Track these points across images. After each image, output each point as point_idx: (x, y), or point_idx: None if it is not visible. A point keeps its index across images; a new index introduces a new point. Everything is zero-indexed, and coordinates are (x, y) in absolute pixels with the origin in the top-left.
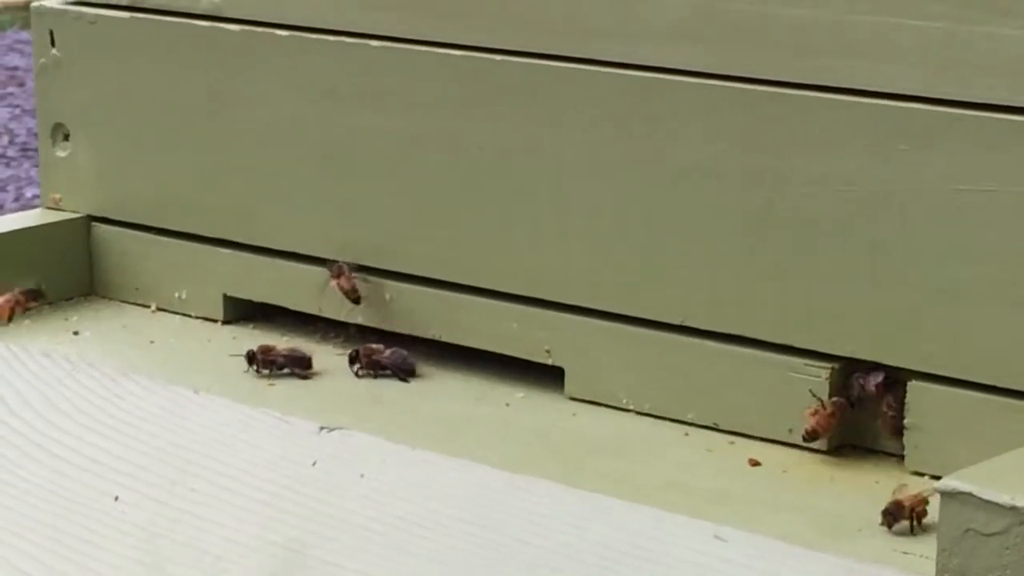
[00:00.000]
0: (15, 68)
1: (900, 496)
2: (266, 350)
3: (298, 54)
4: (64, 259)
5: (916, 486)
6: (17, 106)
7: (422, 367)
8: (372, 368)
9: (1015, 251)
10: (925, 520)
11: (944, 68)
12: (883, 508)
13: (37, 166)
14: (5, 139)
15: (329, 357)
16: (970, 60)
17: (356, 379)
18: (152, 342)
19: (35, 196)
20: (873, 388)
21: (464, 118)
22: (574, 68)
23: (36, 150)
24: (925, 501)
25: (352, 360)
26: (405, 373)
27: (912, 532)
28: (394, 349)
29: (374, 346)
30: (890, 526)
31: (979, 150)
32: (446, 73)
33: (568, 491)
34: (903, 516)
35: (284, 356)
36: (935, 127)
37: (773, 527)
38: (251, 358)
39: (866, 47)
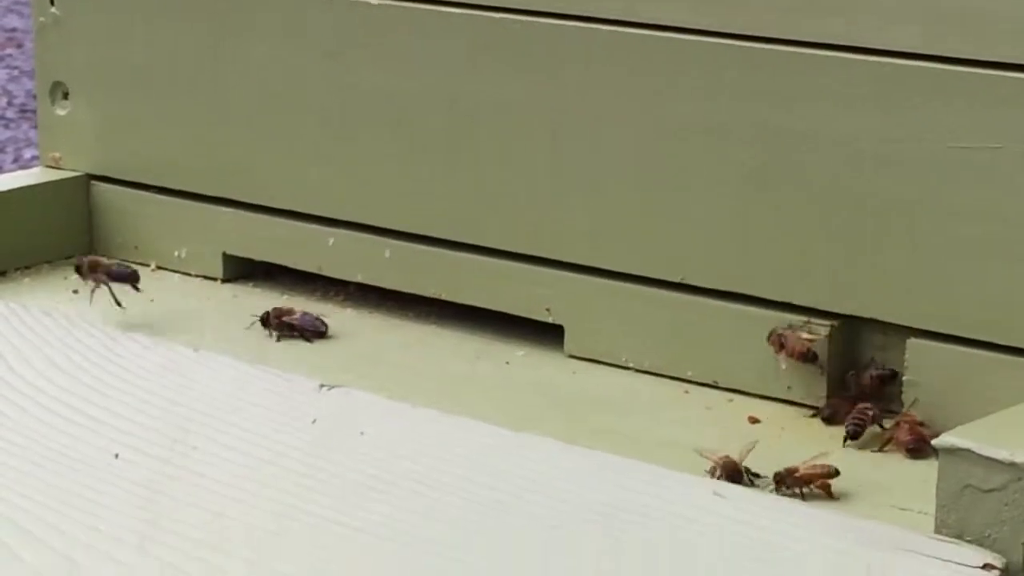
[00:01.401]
0: (13, 29)
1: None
2: (280, 313)
3: (299, 12)
4: (64, 218)
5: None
6: (16, 67)
7: (421, 325)
8: (281, 329)
9: (1017, 208)
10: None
11: (946, 25)
12: (776, 472)
13: (36, 127)
14: (3, 100)
15: (328, 315)
16: (973, 17)
17: (356, 338)
18: (152, 300)
19: (34, 157)
20: (868, 380)
21: (464, 76)
22: (574, 26)
23: (35, 111)
24: (830, 474)
25: (264, 321)
26: (314, 335)
27: (803, 498)
28: (305, 312)
29: (284, 307)
30: (778, 489)
31: (982, 107)
32: (446, 31)
33: (567, 448)
34: (798, 484)
35: (298, 320)
36: (937, 84)
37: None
38: (265, 321)
39: (867, 4)
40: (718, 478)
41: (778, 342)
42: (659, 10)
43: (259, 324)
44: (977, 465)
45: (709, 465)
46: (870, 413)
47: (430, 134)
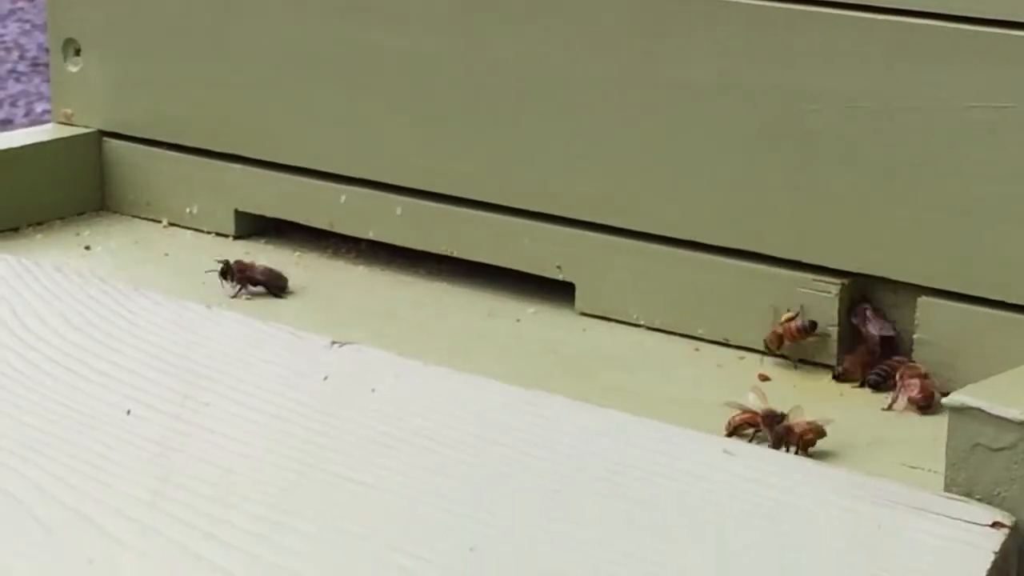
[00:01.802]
0: None
1: (792, 422)
2: (243, 267)
3: None
4: (75, 174)
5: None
6: (27, 21)
7: (432, 282)
8: (244, 283)
9: None
10: (811, 448)
11: None
12: (776, 430)
13: (47, 81)
14: (15, 54)
15: (341, 272)
16: None
17: (368, 295)
18: (166, 255)
19: (45, 111)
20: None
21: (474, 35)
22: None
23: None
24: (818, 432)
25: (223, 274)
26: (278, 289)
27: (796, 453)
28: (267, 266)
29: (246, 261)
30: (776, 446)
31: (992, 66)
32: None
33: (578, 405)
34: (791, 442)
35: (261, 274)
36: (947, 43)
37: None
38: (225, 272)
39: None
40: (755, 434)
41: (777, 340)
42: None
43: (217, 275)
44: (987, 424)
45: (733, 416)
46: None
47: (442, 92)
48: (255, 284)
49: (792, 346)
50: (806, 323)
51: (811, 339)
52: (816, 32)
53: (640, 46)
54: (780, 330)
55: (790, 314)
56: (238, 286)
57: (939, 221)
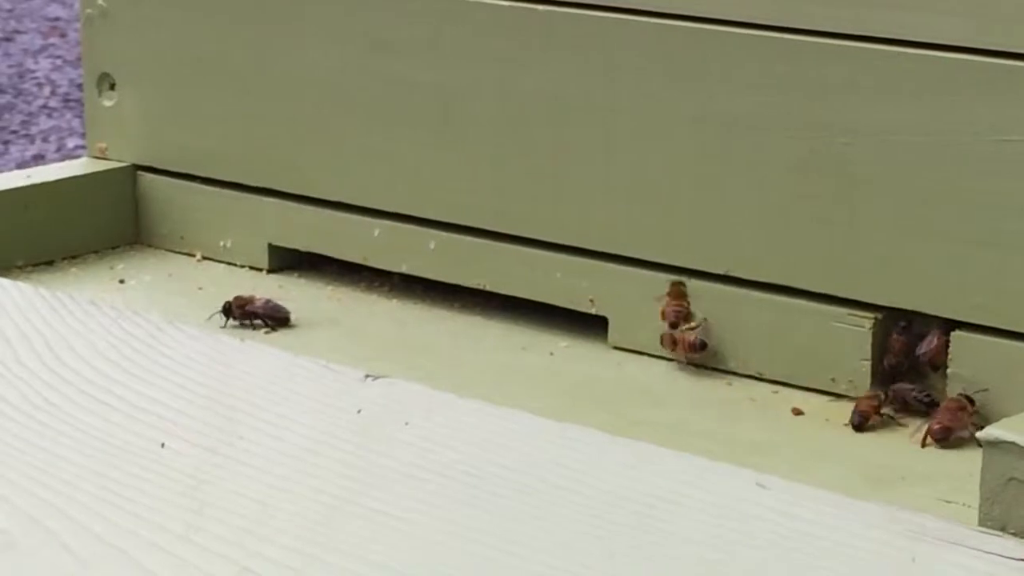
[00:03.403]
0: (57, 19)
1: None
2: (243, 303)
3: (346, 4)
4: (110, 208)
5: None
6: (59, 57)
7: (465, 316)
8: (245, 318)
9: None
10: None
11: (992, 18)
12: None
13: (79, 117)
14: (47, 90)
15: (374, 306)
16: (1019, 10)
17: (401, 328)
18: (200, 288)
19: (76, 147)
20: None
21: (511, 69)
22: (622, 19)
23: (78, 101)
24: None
25: (226, 312)
26: (277, 322)
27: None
28: (267, 299)
29: (246, 296)
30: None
31: None
32: (494, 24)
33: (612, 440)
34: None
35: (260, 308)
36: (982, 78)
37: (816, 476)
38: (227, 310)
39: None
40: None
41: (670, 341)
42: (707, 3)
43: (220, 315)
44: (1022, 458)
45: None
46: (875, 403)
47: (476, 126)
48: (256, 318)
49: (679, 353)
50: (699, 341)
51: (697, 355)
52: (851, 66)
53: (675, 81)
54: (678, 337)
55: (692, 324)
56: (237, 322)
57: (973, 255)
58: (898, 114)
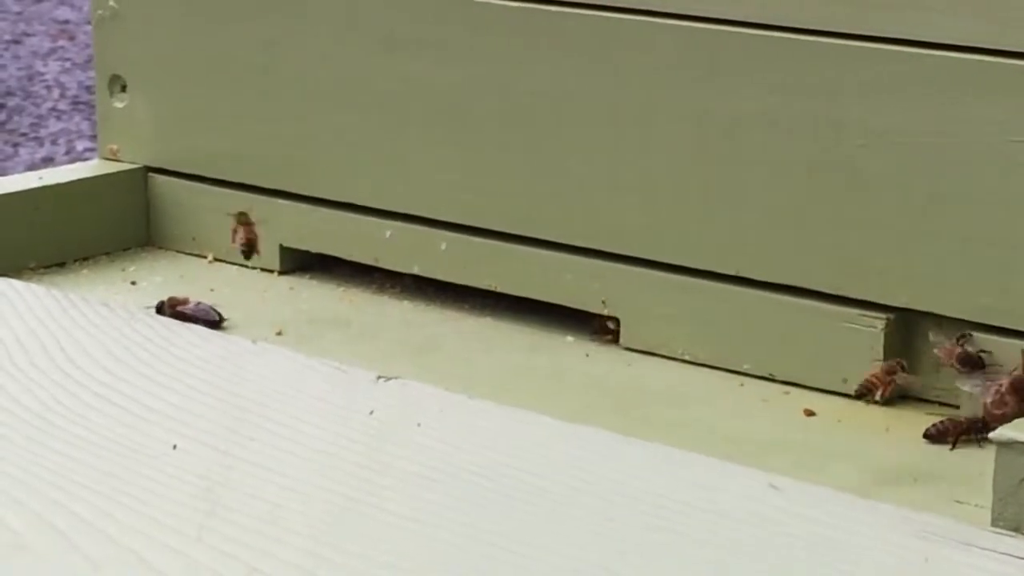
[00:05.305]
0: (66, 22)
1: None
2: (175, 303)
3: (355, 4)
4: (121, 209)
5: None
6: (68, 59)
7: (477, 317)
8: (176, 318)
9: None
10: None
11: (1004, 19)
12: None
13: (88, 119)
14: (56, 92)
15: (385, 307)
16: None
17: (413, 329)
18: (211, 290)
19: (86, 149)
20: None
21: (520, 69)
22: (631, 19)
23: (87, 104)
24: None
25: (159, 310)
26: (208, 325)
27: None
28: (199, 301)
29: (179, 297)
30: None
31: None
32: (503, 24)
33: (624, 440)
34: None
35: (191, 310)
36: (994, 79)
37: (828, 477)
38: (160, 309)
39: None
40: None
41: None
42: (718, 5)
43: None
44: None
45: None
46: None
47: (486, 127)
48: (186, 320)
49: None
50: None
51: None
52: (862, 67)
53: (686, 80)
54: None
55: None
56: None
57: (985, 256)
58: (911, 115)
